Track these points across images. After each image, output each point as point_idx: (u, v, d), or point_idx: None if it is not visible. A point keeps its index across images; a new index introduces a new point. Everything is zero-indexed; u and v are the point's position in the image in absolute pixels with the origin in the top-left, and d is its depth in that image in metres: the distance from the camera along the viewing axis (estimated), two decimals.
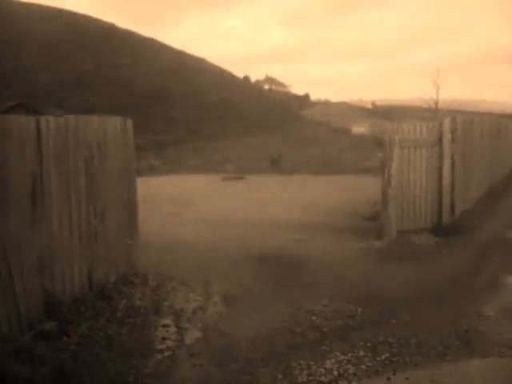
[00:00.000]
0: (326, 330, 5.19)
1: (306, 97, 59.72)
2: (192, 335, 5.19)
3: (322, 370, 4.37)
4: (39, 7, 52.23)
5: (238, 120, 45.55)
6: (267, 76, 67.70)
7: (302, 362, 4.50)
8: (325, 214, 11.00)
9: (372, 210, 10.52)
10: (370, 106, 61.44)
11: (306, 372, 4.34)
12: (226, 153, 29.61)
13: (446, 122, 9.28)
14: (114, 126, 6.42)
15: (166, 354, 4.78)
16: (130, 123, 6.84)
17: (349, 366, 4.44)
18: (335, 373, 4.33)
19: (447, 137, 9.17)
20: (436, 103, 29.42)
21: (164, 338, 5.11)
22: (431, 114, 28.63)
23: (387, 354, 4.63)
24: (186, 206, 12.59)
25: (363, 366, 4.45)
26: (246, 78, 60.16)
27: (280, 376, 4.28)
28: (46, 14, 50.22)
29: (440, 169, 9.18)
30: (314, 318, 5.49)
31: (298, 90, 74.58)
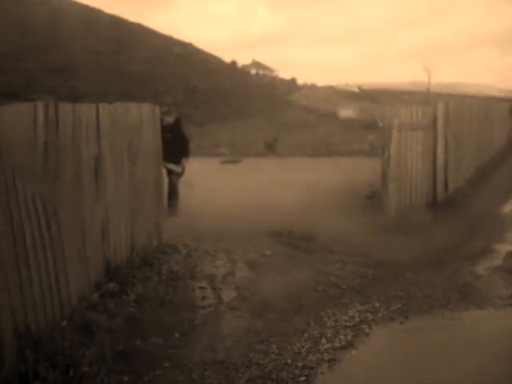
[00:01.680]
0: (344, 287, 6.04)
1: (293, 81, 60.26)
2: (228, 294, 5.97)
3: (346, 317, 5.23)
4: None
5: (226, 105, 46.01)
6: (254, 60, 68.15)
7: (328, 311, 5.36)
8: (326, 194, 11.73)
9: (369, 189, 11.31)
10: (356, 90, 62.20)
11: (332, 319, 5.20)
12: (216, 137, 30.07)
13: (440, 107, 10.14)
14: (147, 112, 7.14)
15: (210, 309, 5.57)
16: (157, 110, 7.57)
17: (367, 314, 5.31)
18: (357, 319, 5.20)
19: (440, 120, 10.04)
20: (427, 88, 30.28)
21: (204, 297, 5.90)
22: (417, 97, 29.48)
23: (399, 305, 5.52)
24: (190, 187, 13.22)
25: (379, 314, 5.32)
26: (233, 63, 60.49)
27: (312, 322, 5.13)
28: None
29: (434, 150, 10.04)
30: (332, 278, 6.33)
31: (285, 74, 75.20)
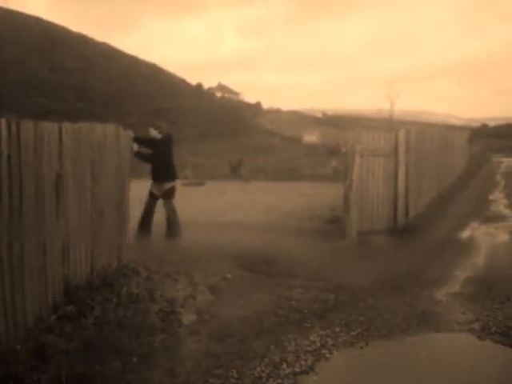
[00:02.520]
0: (305, 311, 6.05)
1: (258, 105, 60.69)
2: (188, 318, 5.92)
3: (307, 342, 5.22)
4: None
5: (191, 127, 45.99)
6: (219, 83, 68.50)
7: (289, 335, 5.35)
8: (288, 218, 11.81)
9: (331, 213, 11.43)
10: (320, 115, 63.02)
11: (293, 343, 5.19)
12: (181, 159, 29.99)
13: (401, 133, 10.35)
14: (111, 133, 7.09)
15: (170, 332, 5.51)
16: (121, 130, 7.53)
17: (328, 339, 5.32)
18: (318, 344, 5.19)
19: (402, 147, 10.24)
20: (391, 115, 30.98)
21: (164, 320, 5.83)
22: (380, 123, 30.09)
23: (359, 330, 5.55)
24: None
25: (340, 339, 5.34)
26: (199, 85, 60.70)
27: (272, 346, 5.11)
28: None
29: (396, 176, 10.22)
30: (293, 302, 6.33)
31: (252, 98, 75.84)
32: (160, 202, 9.58)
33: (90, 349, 4.72)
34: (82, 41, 55.12)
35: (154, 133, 9.41)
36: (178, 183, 9.82)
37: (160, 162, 9.31)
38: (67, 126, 5.58)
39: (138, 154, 8.92)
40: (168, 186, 9.44)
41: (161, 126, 9.64)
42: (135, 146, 8.76)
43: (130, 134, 8.83)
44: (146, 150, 9.18)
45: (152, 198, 9.46)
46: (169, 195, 9.49)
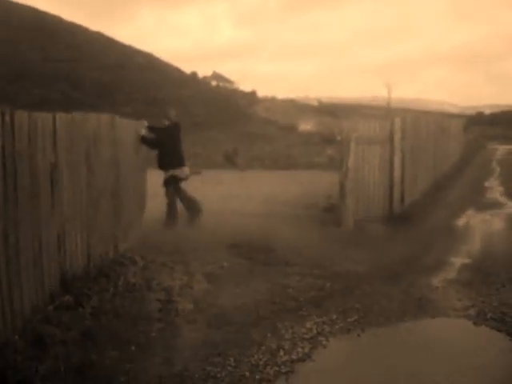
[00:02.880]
0: (301, 299, 6.06)
1: (253, 93, 60.46)
2: (185, 306, 5.93)
3: (304, 330, 5.24)
4: None
5: (186, 116, 45.78)
6: (214, 72, 68.25)
7: (286, 323, 5.36)
8: (285, 206, 11.82)
9: (327, 201, 11.44)
10: (315, 104, 62.86)
11: (290, 331, 5.20)
12: None
13: (397, 121, 10.35)
14: (106, 123, 7.07)
15: (167, 321, 5.51)
16: (117, 120, 7.51)
17: (325, 326, 5.33)
18: (314, 331, 5.21)
19: (398, 135, 10.24)
20: (387, 103, 30.96)
21: (161, 310, 5.84)
22: (376, 111, 30.09)
23: (356, 317, 5.57)
24: (150, 198, 13.14)
25: (337, 326, 5.36)
26: (194, 74, 60.47)
27: (269, 334, 5.13)
28: None
29: (391, 164, 10.23)
30: (290, 290, 6.35)
31: (247, 86, 75.54)
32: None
33: (87, 338, 4.72)
34: (76, 30, 54.79)
35: (164, 120, 9.67)
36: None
37: (165, 149, 9.45)
38: (61, 116, 5.56)
39: (143, 140, 9.03)
40: (177, 172, 9.65)
41: (168, 114, 9.74)
42: (142, 131, 8.96)
43: (144, 123, 9.01)
44: (151, 136, 9.30)
45: (168, 187, 9.68)
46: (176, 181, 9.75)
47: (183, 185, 9.98)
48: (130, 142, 8.16)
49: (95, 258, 6.40)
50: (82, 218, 6.07)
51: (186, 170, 9.85)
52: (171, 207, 9.70)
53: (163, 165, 9.62)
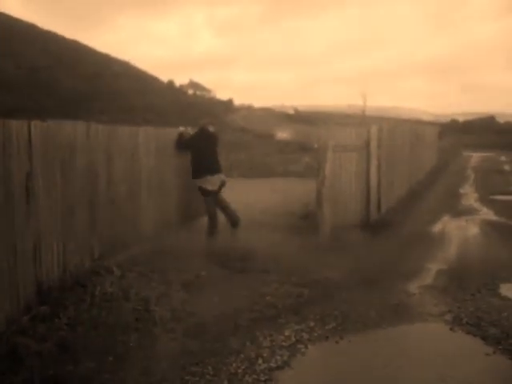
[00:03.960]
0: (280, 307, 6.06)
1: (230, 102, 60.61)
2: (162, 316, 5.89)
3: (282, 337, 5.24)
4: None
5: (163, 124, 45.74)
6: (191, 81, 68.31)
7: (264, 331, 5.36)
8: (263, 214, 11.78)
9: (305, 209, 11.46)
10: (291, 112, 63.16)
11: (269, 339, 5.20)
12: None
13: (373, 129, 10.44)
14: (81, 131, 7.01)
15: (144, 331, 5.47)
16: (93, 128, 7.45)
17: (303, 334, 5.34)
18: (293, 339, 5.22)
19: (374, 142, 10.33)
20: (363, 111, 31.24)
21: (138, 319, 5.79)
22: (352, 120, 30.31)
23: (334, 324, 5.59)
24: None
25: (315, 334, 5.37)
26: (171, 82, 60.41)
27: (248, 342, 5.12)
28: None
29: (368, 171, 10.30)
30: (268, 298, 6.34)
31: (224, 95, 75.86)
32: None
33: (63, 349, 4.67)
34: (51, 38, 54.37)
35: (211, 128, 10.04)
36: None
37: (194, 157, 9.69)
38: (36, 124, 5.51)
39: (179, 140, 9.65)
40: (211, 180, 9.77)
41: (203, 124, 10.06)
42: (181, 129, 9.84)
43: (179, 130, 9.84)
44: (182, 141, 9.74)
45: (206, 196, 9.82)
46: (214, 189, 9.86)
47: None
48: (129, 150, 8.10)
49: (71, 267, 6.32)
50: (57, 227, 6.01)
51: (213, 179, 9.79)
52: (209, 217, 9.86)
53: (193, 174, 9.76)
